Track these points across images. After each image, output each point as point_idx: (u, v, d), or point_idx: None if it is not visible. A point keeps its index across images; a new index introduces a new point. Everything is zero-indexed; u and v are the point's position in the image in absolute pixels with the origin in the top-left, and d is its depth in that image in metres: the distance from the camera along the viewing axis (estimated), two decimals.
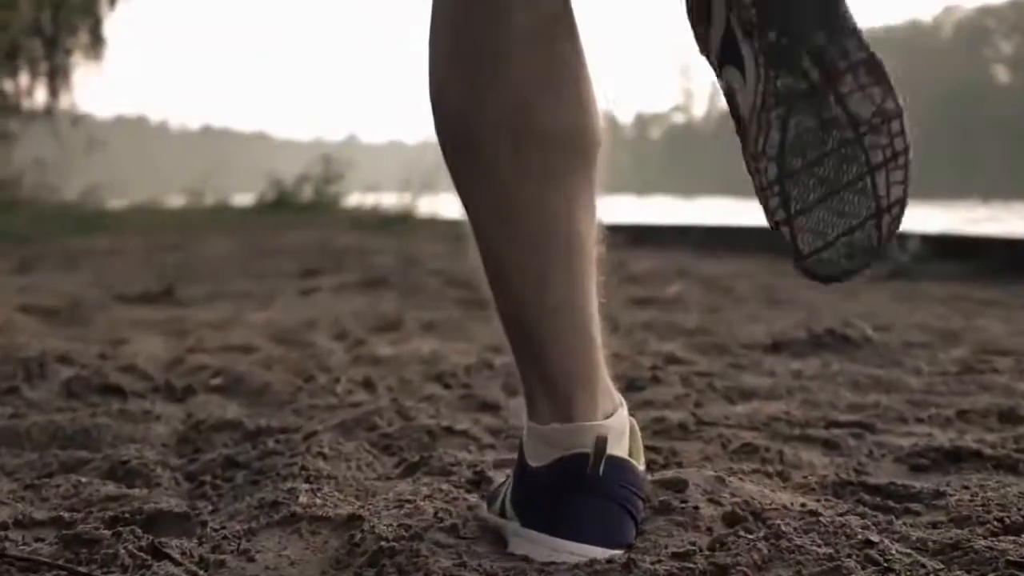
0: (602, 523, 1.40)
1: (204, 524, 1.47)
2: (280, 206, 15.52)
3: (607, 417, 1.45)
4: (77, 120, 18.43)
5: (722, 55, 1.43)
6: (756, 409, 2.23)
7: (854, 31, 1.38)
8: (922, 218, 11.81)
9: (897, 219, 1.40)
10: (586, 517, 1.40)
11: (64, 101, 18.56)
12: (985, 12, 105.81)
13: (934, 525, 1.46)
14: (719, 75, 1.45)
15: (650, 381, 2.50)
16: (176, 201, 18.07)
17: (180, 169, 19.26)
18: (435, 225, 11.39)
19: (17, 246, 9.16)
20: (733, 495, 1.51)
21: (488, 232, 1.46)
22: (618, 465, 1.42)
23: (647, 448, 1.60)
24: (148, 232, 11.58)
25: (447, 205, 13.61)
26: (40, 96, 18.43)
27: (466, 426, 2.02)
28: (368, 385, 2.49)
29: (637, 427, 1.50)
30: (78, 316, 4.35)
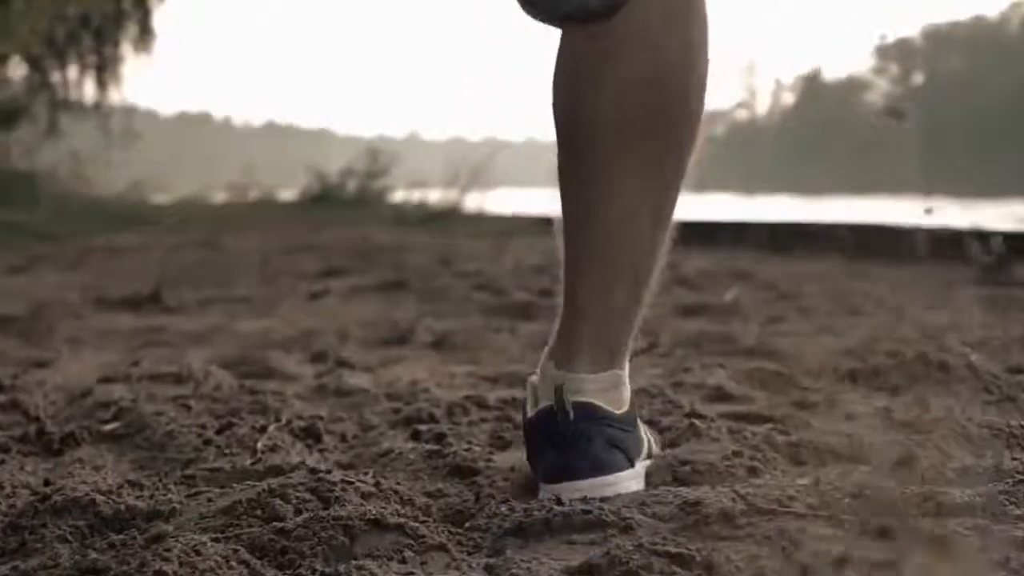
0: (585, 459, 1.52)
1: None
2: (324, 201, 14.97)
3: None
4: (126, 114, 18.03)
5: None
6: (834, 482, 1.58)
7: None
8: (999, 216, 11.11)
9: None
10: (572, 458, 1.52)
11: (113, 95, 18.21)
12: None
13: None
14: None
15: (686, 431, 1.83)
16: (221, 197, 17.63)
17: (238, 165, 18.78)
18: (480, 222, 10.77)
19: (34, 243, 8.65)
20: None
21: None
22: (589, 407, 1.54)
23: (666, 555, 1.24)
24: (181, 228, 11.05)
25: (495, 200, 13.11)
26: (89, 89, 18.08)
27: (408, 516, 1.38)
28: (309, 435, 1.86)
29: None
30: (36, 325, 3.75)
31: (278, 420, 1.85)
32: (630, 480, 1.56)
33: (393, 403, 2.14)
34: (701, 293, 4.89)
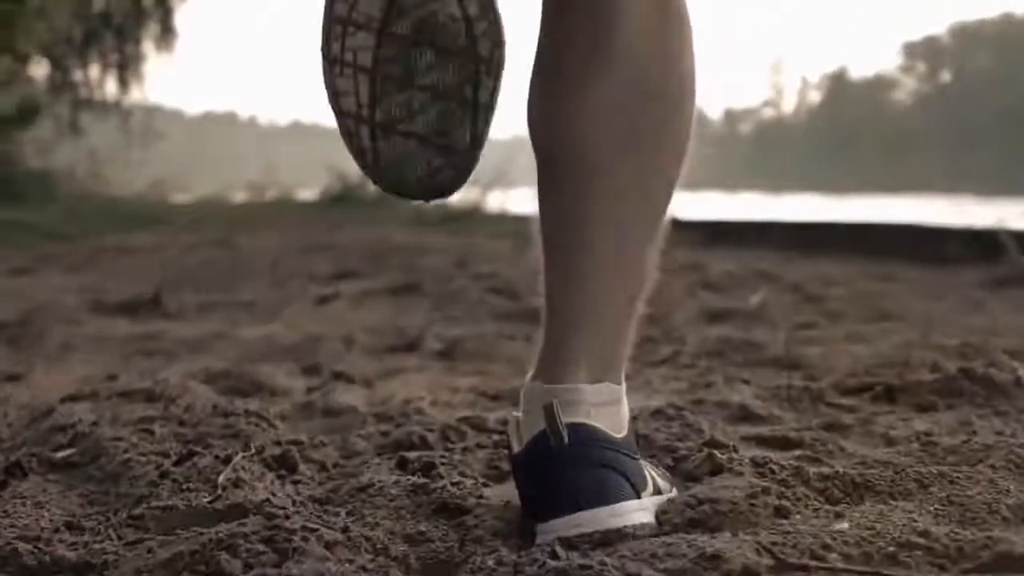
0: (585, 489, 1.32)
1: None
2: (343, 201, 14.79)
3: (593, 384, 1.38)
4: (148, 113, 17.90)
5: None
6: (874, 525, 1.37)
7: None
8: None
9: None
10: (569, 488, 1.32)
11: (135, 93, 18.09)
12: None
13: None
14: None
15: (704, 462, 1.62)
16: (241, 196, 17.47)
17: (261, 165, 18.68)
18: (501, 222, 10.56)
19: (44, 243, 8.48)
20: None
21: None
22: (584, 429, 1.35)
23: None
24: (196, 228, 10.88)
25: (517, 200, 12.91)
26: (111, 88, 17.96)
27: (377, 572, 1.18)
28: (283, 465, 1.65)
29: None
30: (26, 331, 3.57)
31: (247, 448, 1.65)
32: (637, 512, 1.36)
33: (383, 425, 1.94)
34: (726, 297, 4.68)
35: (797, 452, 1.75)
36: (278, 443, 1.78)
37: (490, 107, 1.32)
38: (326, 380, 2.54)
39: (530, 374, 1.41)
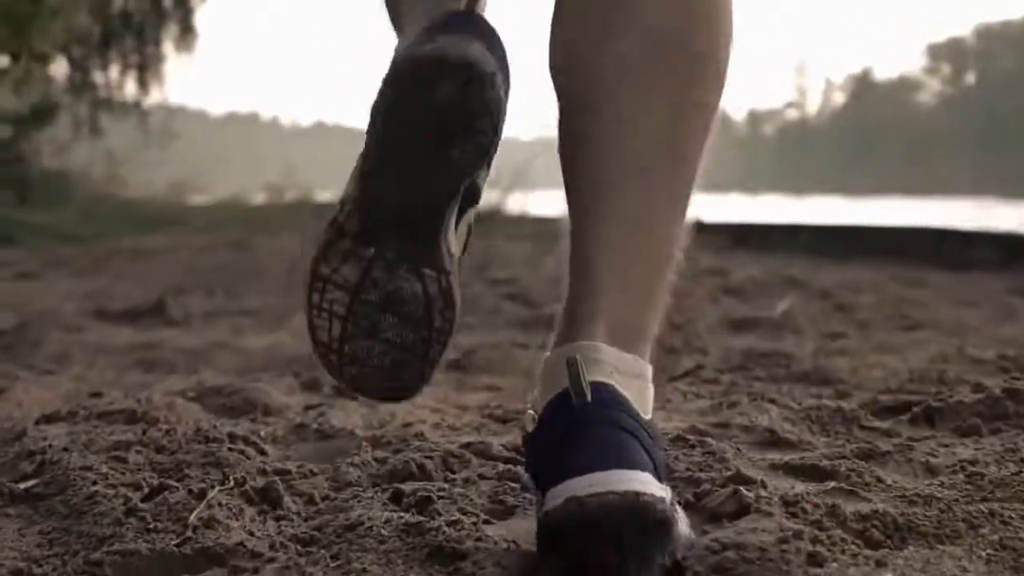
0: (607, 448, 1.23)
1: None
2: None
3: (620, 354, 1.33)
4: (167, 113, 17.84)
5: None
6: (920, 575, 1.22)
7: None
8: None
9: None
10: (588, 447, 1.24)
11: (155, 94, 18.02)
12: None
13: None
14: None
15: (729, 500, 1.47)
16: (260, 198, 17.36)
17: (283, 166, 18.60)
18: (522, 223, 10.41)
19: (56, 245, 8.37)
20: None
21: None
22: (606, 389, 1.29)
23: None
24: (212, 230, 10.75)
25: (539, 202, 12.75)
26: (130, 89, 17.89)
27: None
28: (265, 499, 1.50)
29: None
30: (21, 340, 3.43)
31: (226, 481, 1.49)
32: (660, 491, 1.24)
33: (379, 451, 1.78)
34: (751, 304, 4.54)
35: (831, 484, 1.59)
36: (264, 471, 1.63)
37: (437, 360, 1.41)
38: (326, 397, 2.39)
39: (551, 343, 1.39)
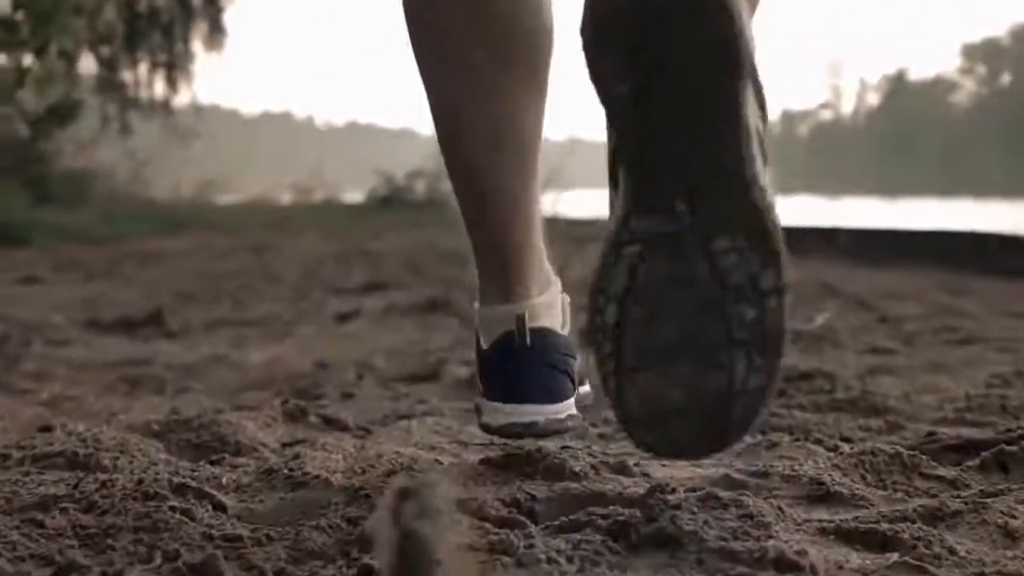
0: (541, 384, 1.61)
1: None
2: (390, 203, 14.44)
3: (540, 295, 1.65)
4: (194, 112, 17.67)
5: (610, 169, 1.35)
6: None
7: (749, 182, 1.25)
8: None
9: (752, 410, 1.25)
10: (526, 382, 1.61)
11: (184, 93, 17.87)
12: None
13: None
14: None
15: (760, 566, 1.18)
16: (288, 198, 17.19)
17: (311, 165, 18.52)
18: (552, 225, 10.11)
19: (72, 246, 8.16)
20: None
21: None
22: (543, 334, 1.63)
23: None
24: (232, 231, 10.54)
25: (570, 203, 12.49)
26: (159, 87, 17.74)
27: None
28: (235, 554, 1.22)
29: (568, 302, 1.71)
30: (1, 355, 3.18)
31: (150, 558, 1.22)
32: (570, 410, 1.65)
33: (355, 507, 1.50)
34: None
35: (893, 557, 1.30)
36: (209, 537, 1.34)
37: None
38: (305, 430, 2.12)
39: (479, 301, 1.69)
